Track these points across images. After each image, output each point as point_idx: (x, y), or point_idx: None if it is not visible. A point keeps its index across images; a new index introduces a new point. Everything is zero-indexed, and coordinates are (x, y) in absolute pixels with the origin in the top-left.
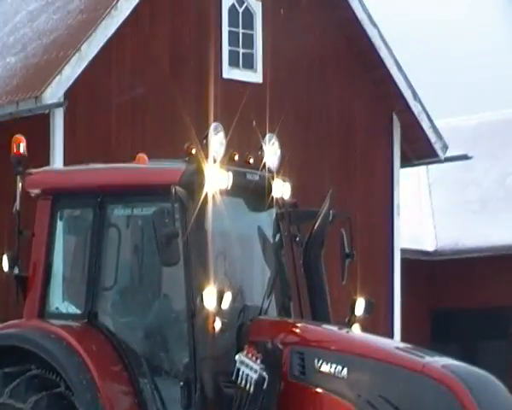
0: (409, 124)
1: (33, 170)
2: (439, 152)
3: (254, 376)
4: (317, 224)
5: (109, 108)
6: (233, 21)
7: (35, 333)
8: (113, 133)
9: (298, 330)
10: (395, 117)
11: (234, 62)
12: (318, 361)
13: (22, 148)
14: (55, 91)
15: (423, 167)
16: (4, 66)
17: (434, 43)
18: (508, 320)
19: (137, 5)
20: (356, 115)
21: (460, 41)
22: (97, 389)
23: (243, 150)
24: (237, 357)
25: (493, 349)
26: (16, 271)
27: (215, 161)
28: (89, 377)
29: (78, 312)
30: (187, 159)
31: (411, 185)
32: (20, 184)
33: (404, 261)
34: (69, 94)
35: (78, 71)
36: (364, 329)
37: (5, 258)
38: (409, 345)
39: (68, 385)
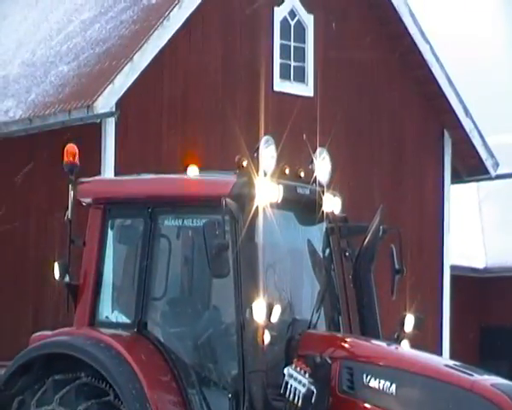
0: (460, 140)
1: (85, 179)
2: (490, 169)
3: (303, 390)
4: (368, 238)
5: (161, 118)
6: (285, 34)
7: (85, 341)
8: (164, 144)
9: (347, 345)
10: (446, 133)
11: (285, 75)
12: (367, 376)
13: (75, 156)
14: (106, 101)
15: (474, 184)
16: (57, 74)
17: (486, 58)
18: None
19: (190, 16)
20: (407, 130)
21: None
22: (146, 398)
23: (294, 164)
24: (286, 370)
25: None
26: (67, 279)
27: (266, 174)
28: (138, 387)
29: (128, 321)
30: (238, 171)
31: (462, 202)
32: (72, 193)
33: (453, 278)
34: (121, 103)
35: (130, 80)
36: (413, 345)
37: (56, 266)
38: (458, 363)
39: (117, 394)
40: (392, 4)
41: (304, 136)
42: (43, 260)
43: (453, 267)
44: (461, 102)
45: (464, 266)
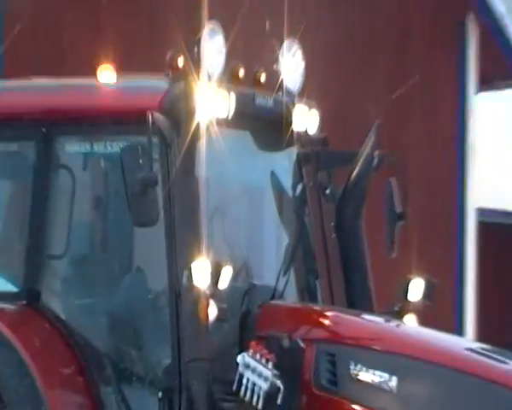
0: (489, 30)
1: None
2: None
3: (264, 385)
4: (357, 170)
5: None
6: None
7: None
8: (66, 40)
9: (327, 322)
10: (470, 21)
11: None
12: (356, 366)
13: None
14: None
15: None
16: None
17: None
18: None
19: None
20: (414, 17)
21: None
22: (40, 400)
23: (251, 63)
24: (240, 358)
25: None
26: None
27: (211, 79)
28: (29, 384)
29: (14, 290)
30: (170, 74)
31: (493, 119)
32: None
33: (481, 226)
34: None
35: None
36: (422, 321)
37: None
38: (485, 346)
39: (2, 400)
40: None
41: (267, 23)
42: None
43: (481, 212)
44: None
45: (497, 210)
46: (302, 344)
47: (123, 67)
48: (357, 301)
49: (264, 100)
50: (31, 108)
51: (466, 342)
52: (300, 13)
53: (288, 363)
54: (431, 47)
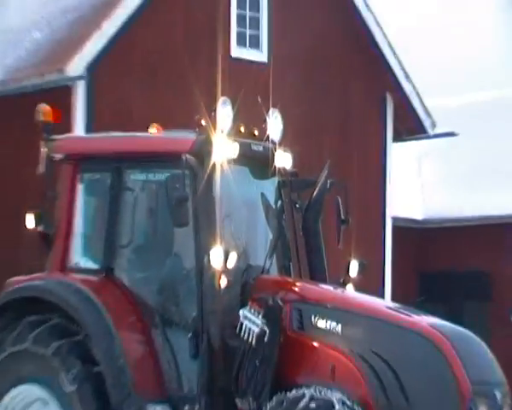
0: (401, 102)
1: (57, 136)
2: (428, 129)
3: (256, 329)
4: (316, 191)
5: (130, 81)
6: (241, 4)
7: (57, 286)
8: (134, 105)
9: (297, 288)
10: (388, 96)
11: (241, 42)
12: (315, 317)
13: (48, 115)
14: (77, 65)
15: (414, 143)
16: (31, 41)
17: (424, 24)
18: (490, 283)
19: None
20: (353, 93)
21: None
22: (113, 337)
23: (249, 123)
24: (241, 312)
25: (477, 310)
26: (41, 228)
27: (223, 132)
28: (105, 327)
29: (97, 267)
30: (197, 130)
31: (403, 159)
32: (45, 149)
33: (395, 229)
34: (92, 68)
35: (99, 47)
36: (357, 289)
37: (30, 216)
38: (398, 305)
39: (87, 334)
40: None
41: (258, 98)
42: (19, 211)
43: (395, 219)
44: (401, 67)
45: (405, 218)
46: (281, 303)
47: (166, 125)
48: (316, 275)
49: (257, 147)
50: (108, 152)
51: (386, 303)
52: (280, 90)
53: (271, 315)
54: (365, 113)
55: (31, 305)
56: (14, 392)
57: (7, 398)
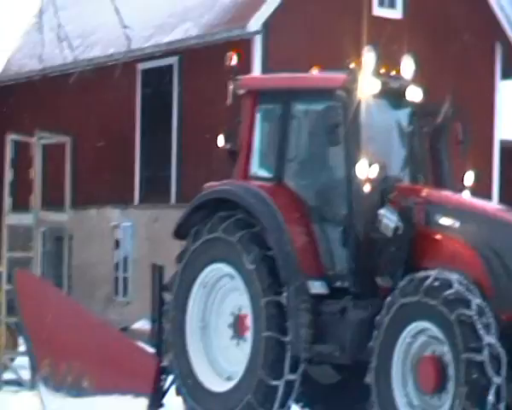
0: (507, 48)
1: (241, 76)
2: None
3: (393, 225)
4: (442, 118)
5: (300, 34)
6: None
7: (240, 189)
8: (300, 53)
9: (425, 193)
10: (498, 43)
11: (381, 3)
12: (439, 215)
13: (234, 60)
14: (256, 22)
15: None
16: (220, 4)
17: None
18: None
19: None
20: (469, 43)
21: None
22: (283, 229)
23: (388, 66)
24: (382, 210)
25: None
26: (228, 146)
27: (368, 72)
28: (277, 221)
29: (270, 176)
30: (348, 70)
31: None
32: (232, 87)
33: (502, 149)
34: (267, 24)
35: (273, 7)
36: (472, 195)
37: (221, 136)
38: (506, 207)
39: (263, 227)
40: None
41: (396, 46)
42: (214, 133)
43: (502, 141)
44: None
45: (509, 140)
46: (412, 204)
47: (324, 67)
48: (441, 184)
49: (394, 83)
50: (280, 87)
51: (496, 205)
52: (412, 40)
53: (405, 214)
54: (478, 57)
55: (221, 204)
56: (208, 269)
57: (203, 273)
